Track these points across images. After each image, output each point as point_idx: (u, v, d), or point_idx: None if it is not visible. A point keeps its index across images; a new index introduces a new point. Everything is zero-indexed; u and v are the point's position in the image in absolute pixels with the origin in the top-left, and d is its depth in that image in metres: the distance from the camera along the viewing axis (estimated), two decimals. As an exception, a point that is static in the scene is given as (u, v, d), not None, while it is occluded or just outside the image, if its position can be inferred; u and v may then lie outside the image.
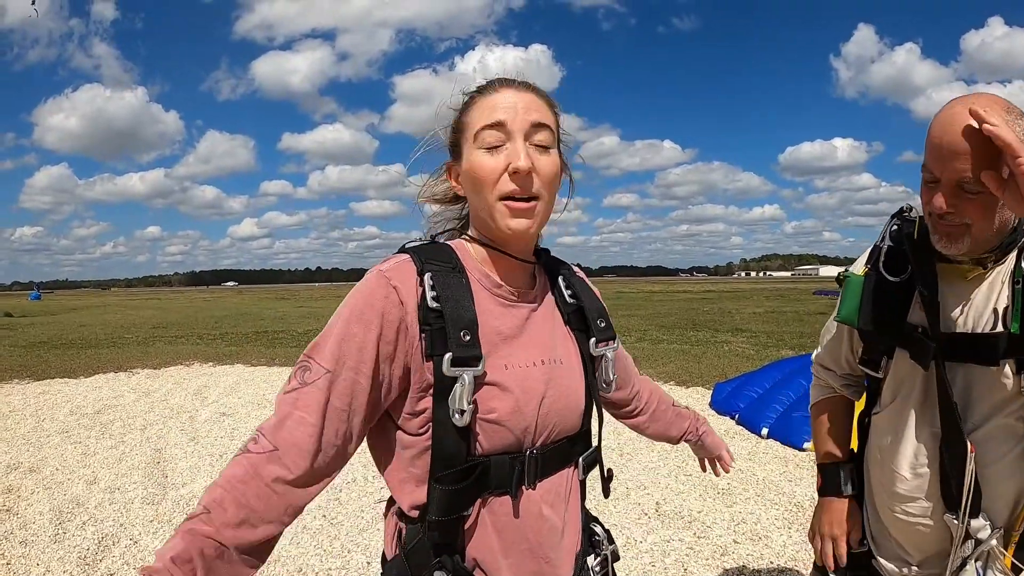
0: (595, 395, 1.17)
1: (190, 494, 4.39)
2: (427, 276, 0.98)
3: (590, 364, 1.16)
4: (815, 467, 1.68)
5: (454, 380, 0.94)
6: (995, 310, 1.27)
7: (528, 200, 1.00)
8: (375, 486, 4.52)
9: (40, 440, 5.95)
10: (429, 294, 0.97)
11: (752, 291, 49.61)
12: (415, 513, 1.01)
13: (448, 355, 0.94)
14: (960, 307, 1.31)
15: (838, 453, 1.60)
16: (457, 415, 0.94)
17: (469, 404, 0.94)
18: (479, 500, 1.00)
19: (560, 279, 1.19)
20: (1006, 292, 1.27)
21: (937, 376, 1.29)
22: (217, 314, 27.98)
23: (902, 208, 1.43)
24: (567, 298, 1.17)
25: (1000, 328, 1.26)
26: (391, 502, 1.10)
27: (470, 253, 1.08)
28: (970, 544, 1.32)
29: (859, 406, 1.61)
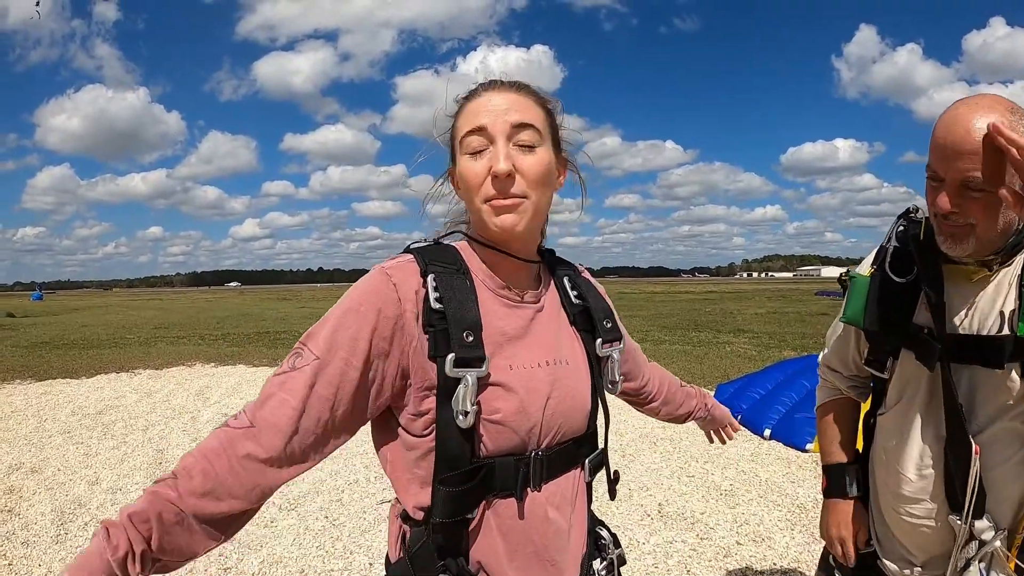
0: (601, 396, 1.16)
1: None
2: (430, 277, 0.98)
3: (596, 365, 1.15)
4: (818, 468, 1.68)
5: (457, 381, 0.94)
6: (1001, 312, 1.27)
7: (510, 199, 0.99)
8: (377, 487, 4.52)
9: (42, 440, 5.96)
10: (432, 295, 0.97)
11: (754, 292, 49.61)
12: (420, 515, 1.00)
13: (451, 356, 0.94)
14: (966, 309, 1.31)
15: (844, 455, 1.60)
16: (461, 416, 0.93)
17: (473, 405, 0.93)
18: (484, 502, 0.99)
19: (565, 280, 1.19)
20: (1013, 295, 1.26)
21: (943, 377, 1.29)
22: (219, 315, 28.00)
23: (908, 209, 1.43)
24: (572, 299, 1.17)
25: (1006, 331, 1.25)
26: (396, 504, 1.09)
27: (474, 254, 1.08)
28: (974, 545, 1.31)
29: (864, 407, 1.61)
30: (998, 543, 1.31)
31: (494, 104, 1.01)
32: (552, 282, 1.18)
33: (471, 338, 0.95)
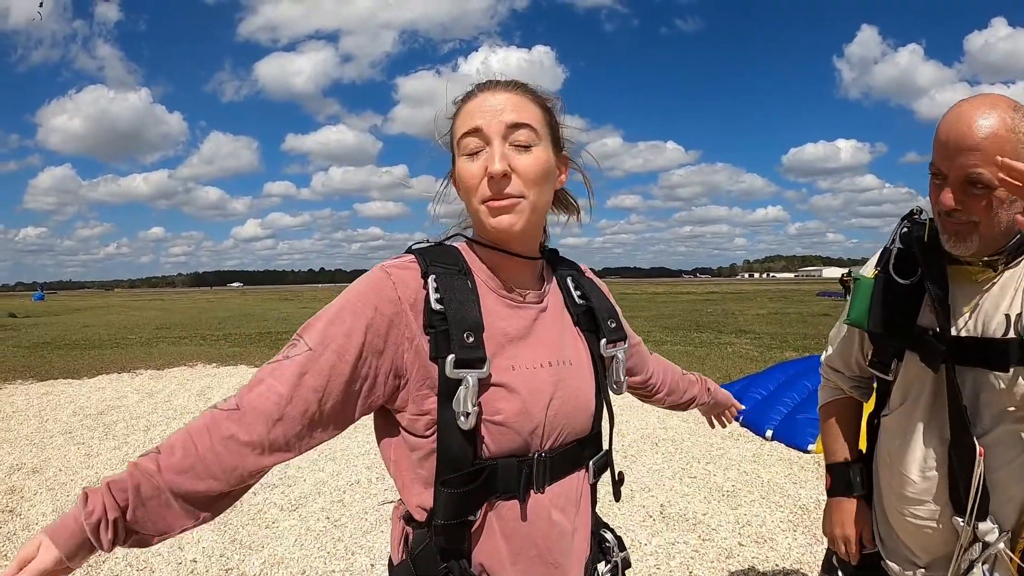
0: (606, 397, 1.15)
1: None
2: (431, 278, 0.98)
3: (600, 365, 1.15)
4: (820, 469, 1.68)
5: (458, 383, 0.94)
6: (1007, 316, 1.26)
7: (506, 199, 0.99)
8: (379, 488, 4.52)
9: (43, 441, 5.96)
10: (433, 296, 0.97)
11: (756, 292, 49.60)
12: (422, 516, 1.00)
13: (451, 357, 0.94)
14: (971, 310, 1.30)
15: (847, 454, 1.60)
16: (462, 418, 0.93)
17: (473, 407, 0.93)
18: (486, 504, 0.99)
19: (569, 280, 1.18)
20: (1019, 298, 1.26)
21: (947, 379, 1.29)
22: (221, 315, 28.03)
23: (912, 211, 1.43)
24: (576, 299, 1.16)
25: (1012, 334, 1.25)
26: (399, 506, 1.09)
27: (476, 255, 1.07)
28: (978, 547, 1.31)
29: (868, 408, 1.61)
30: (1002, 545, 1.30)
31: (489, 104, 1.01)
32: (555, 282, 1.17)
33: (471, 339, 0.95)
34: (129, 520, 0.87)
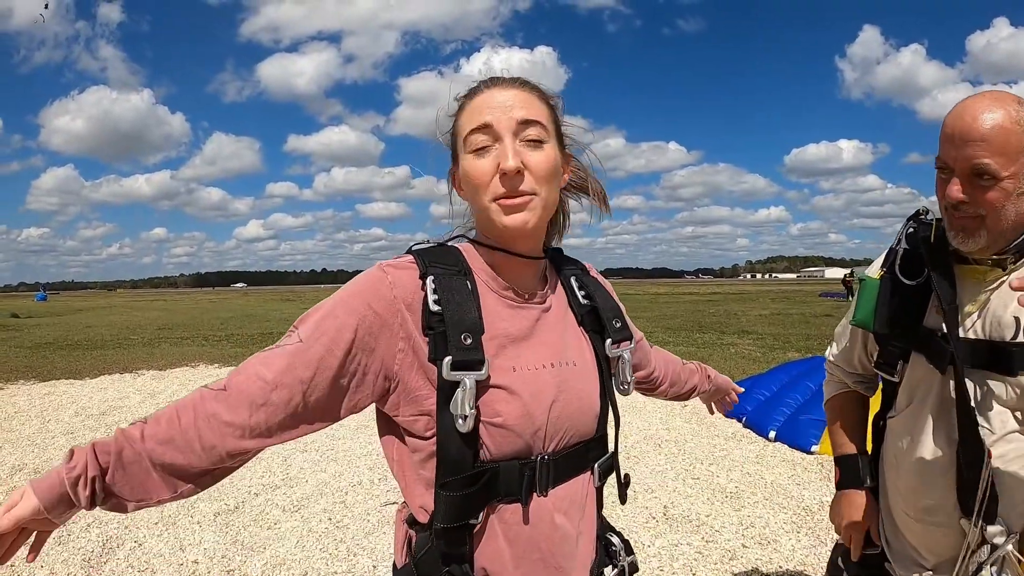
0: (611, 398, 1.14)
1: (195, 496, 4.36)
2: (429, 279, 0.97)
3: (606, 366, 1.13)
4: (824, 470, 1.67)
5: (456, 385, 0.93)
6: (1016, 319, 1.25)
7: (520, 197, 0.98)
8: (381, 489, 4.51)
9: (45, 441, 5.95)
10: (431, 297, 0.96)
11: (758, 293, 49.59)
12: (425, 517, 0.99)
13: (447, 359, 0.93)
14: (978, 312, 1.30)
15: (854, 447, 1.59)
16: (460, 420, 0.92)
17: (471, 409, 0.92)
18: (488, 507, 0.98)
19: (573, 279, 1.17)
20: None
21: (955, 381, 1.28)
22: (223, 315, 28.06)
23: (918, 211, 1.42)
24: (580, 298, 1.15)
25: (1020, 338, 1.24)
26: (402, 509, 1.08)
27: (477, 255, 1.06)
28: (986, 549, 1.30)
29: (874, 408, 1.60)
30: (1010, 547, 1.29)
31: (498, 101, 0.99)
32: (559, 281, 1.16)
33: (469, 340, 0.94)
34: (108, 481, 0.90)
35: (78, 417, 6.98)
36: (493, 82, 1.03)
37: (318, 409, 0.95)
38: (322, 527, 3.88)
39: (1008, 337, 1.25)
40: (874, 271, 1.45)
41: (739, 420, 6.13)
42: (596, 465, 1.11)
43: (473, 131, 0.99)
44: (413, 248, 1.04)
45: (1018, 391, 1.25)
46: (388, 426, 1.04)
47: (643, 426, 6.12)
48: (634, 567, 1.19)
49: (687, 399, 1.61)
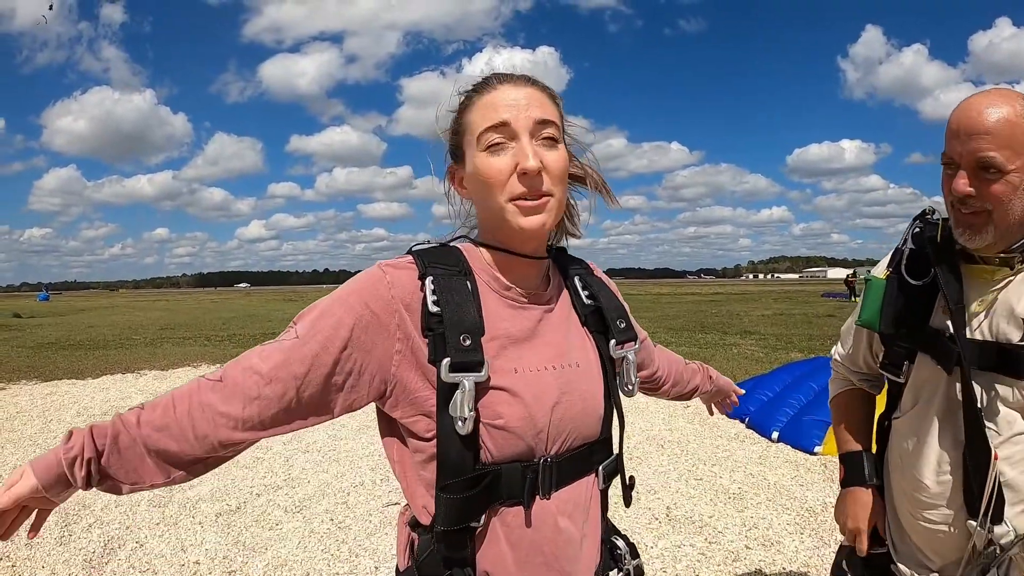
0: (615, 399, 1.13)
1: (196, 496, 4.38)
2: (428, 280, 0.96)
3: (610, 367, 1.12)
4: (827, 471, 1.66)
5: (455, 387, 0.92)
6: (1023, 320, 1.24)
7: (538, 198, 0.97)
8: (383, 489, 4.51)
9: (47, 442, 5.95)
10: (431, 298, 0.95)
11: (760, 293, 49.57)
12: (427, 519, 0.98)
13: (446, 360, 0.92)
14: (985, 311, 1.29)
15: (859, 445, 1.58)
16: (460, 422, 0.91)
17: (470, 411, 0.91)
18: (490, 510, 0.97)
19: (576, 279, 1.16)
20: None
21: (962, 382, 1.27)
22: (225, 316, 28.10)
23: (924, 211, 1.42)
24: (584, 299, 1.14)
25: None
26: (405, 511, 1.07)
27: (479, 255, 1.05)
28: (992, 551, 1.29)
29: (878, 409, 1.59)
30: (1016, 548, 1.28)
31: (514, 98, 0.98)
32: (562, 282, 1.15)
33: (468, 342, 0.93)
34: (103, 464, 0.92)
35: (80, 417, 6.99)
36: (505, 78, 1.01)
37: (311, 405, 0.95)
38: (324, 528, 3.87)
39: (1016, 339, 1.24)
40: (880, 271, 1.43)
41: (742, 421, 6.11)
42: (600, 467, 1.09)
43: (488, 129, 0.97)
44: (413, 248, 1.03)
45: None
46: (389, 427, 1.03)
47: (646, 426, 6.11)
48: (640, 571, 1.18)
49: (689, 399, 1.60)
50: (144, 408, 0.96)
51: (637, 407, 6.61)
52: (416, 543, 1.00)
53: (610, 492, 1.16)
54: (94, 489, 0.94)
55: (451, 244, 1.07)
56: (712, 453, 5.27)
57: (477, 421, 0.93)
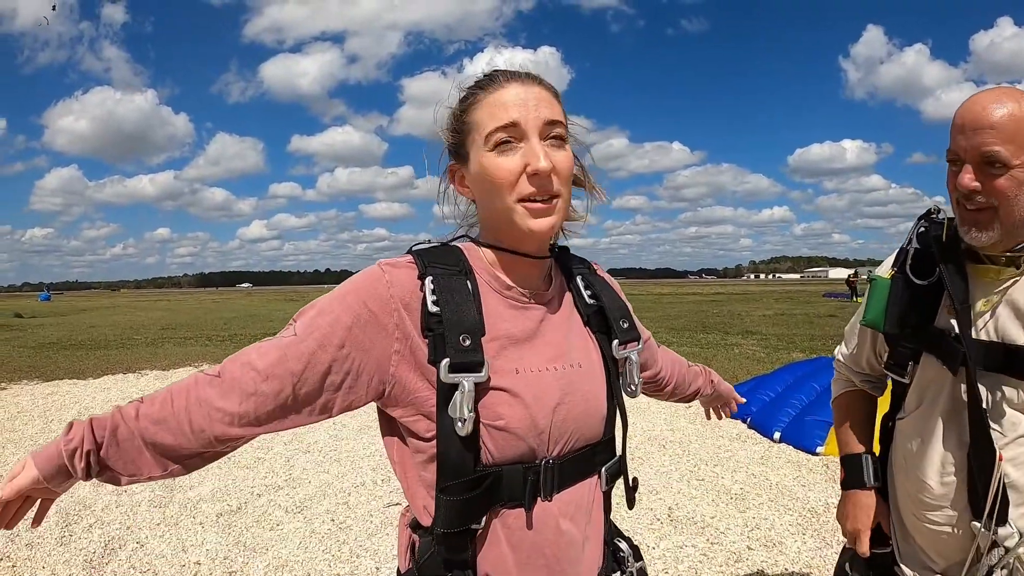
0: (618, 400, 1.12)
1: (197, 497, 4.38)
2: (428, 280, 0.95)
3: (613, 367, 1.11)
4: (829, 472, 1.66)
5: (455, 387, 0.91)
6: None
7: (548, 200, 0.96)
8: (384, 490, 4.50)
9: (48, 442, 5.93)
10: (430, 298, 0.94)
11: (761, 293, 49.56)
12: (428, 520, 0.97)
13: (445, 361, 0.91)
14: (991, 312, 1.28)
15: (860, 446, 1.58)
16: (459, 423, 0.90)
17: (470, 412, 0.90)
18: (491, 512, 0.96)
19: (579, 278, 1.15)
20: None
21: (968, 382, 1.26)
22: (226, 315, 28.12)
23: (929, 210, 1.41)
24: (586, 298, 1.12)
25: None
26: (406, 513, 1.07)
27: (479, 254, 1.04)
28: (996, 552, 1.28)
29: (882, 409, 1.58)
30: (1021, 550, 1.28)
31: (522, 97, 0.97)
32: (564, 281, 1.14)
33: (468, 342, 0.92)
34: (103, 456, 0.93)
35: (81, 417, 6.96)
36: (512, 76, 1.00)
37: (308, 403, 0.94)
38: (325, 528, 3.87)
39: (1022, 340, 1.24)
40: (885, 271, 1.43)
41: (744, 421, 6.11)
42: (603, 469, 1.08)
43: (498, 128, 0.96)
44: (413, 248, 1.02)
45: None
46: (390, 427, 1.02)
47: (647, 427, 6.10)
48: (643, 573, 1.17)
49: (689, 401, 1.60)
50: (143, 401, 0.96)
51: (639, 407, 6.60)
52: (417, 545, 0.99)
53: (613, 494, 1.15)
54: (94, 480, 0.95)
55: (452, 244, 1.06)
56: (714, 453, 5.26)
57: (477, 422, 0.92)
